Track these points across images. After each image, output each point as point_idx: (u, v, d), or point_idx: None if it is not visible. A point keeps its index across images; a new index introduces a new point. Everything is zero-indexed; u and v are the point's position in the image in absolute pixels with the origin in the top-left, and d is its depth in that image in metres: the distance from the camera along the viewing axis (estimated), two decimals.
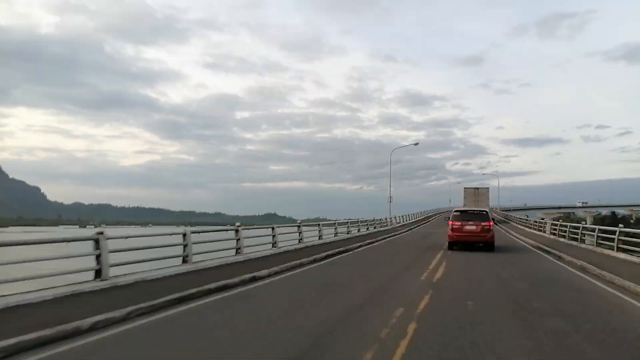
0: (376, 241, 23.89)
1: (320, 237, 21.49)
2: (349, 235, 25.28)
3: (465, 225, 18.84)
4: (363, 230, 29.45)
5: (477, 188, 50.07)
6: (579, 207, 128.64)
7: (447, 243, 19.18)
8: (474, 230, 18.68)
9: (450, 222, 19.27)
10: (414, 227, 39.38)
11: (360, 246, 20.26)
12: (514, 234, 31.74)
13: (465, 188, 50.25)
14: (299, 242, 18.81)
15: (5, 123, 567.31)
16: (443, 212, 67.86)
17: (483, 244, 18.74)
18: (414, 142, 44.66)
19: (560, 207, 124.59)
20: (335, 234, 23.90)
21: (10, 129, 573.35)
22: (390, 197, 43.14)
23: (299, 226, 19.88)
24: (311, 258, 14.58)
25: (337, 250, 17.48)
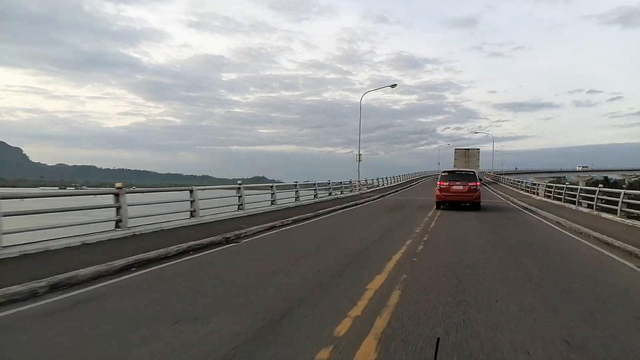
0: (311, 218, 15.48)
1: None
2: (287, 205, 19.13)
3: (453, 185, 19.53)
4: (319, 197, 23.78)
5: (468, 149, 51.08)
6: (579, 170, 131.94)
7: (435, 202, 19.90)
8: (461, 190, 19.37)
9: (438, 182, 19.98)
10: (388, 194, 31.98)
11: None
12: (504, 195, 32.18)
13: (456, 149, 51.40)
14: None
15: None
16: (430, 176, 68.31)
17: (470, 203, 19.43)
18: (392, 84, 38.20)
19: (552, 172, 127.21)
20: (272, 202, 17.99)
21: None
22: (360, 155, 35.15)
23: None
24: None
25: None
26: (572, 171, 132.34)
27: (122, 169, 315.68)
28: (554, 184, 28.00)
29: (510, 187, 42.24)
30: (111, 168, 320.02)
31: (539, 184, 31.47)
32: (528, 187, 34.73)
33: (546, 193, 27.41)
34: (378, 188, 37.15)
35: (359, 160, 34.69)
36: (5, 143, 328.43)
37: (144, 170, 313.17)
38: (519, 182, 41.64)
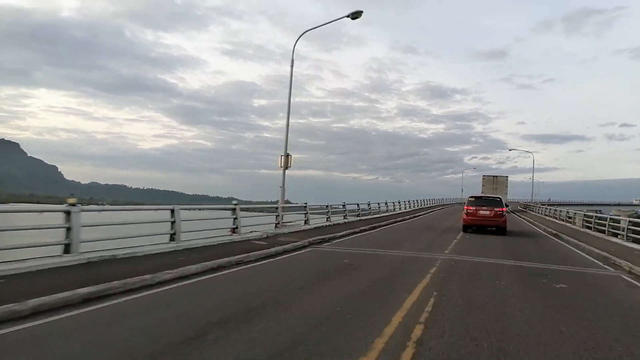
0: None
1: None
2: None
3: (479, 210, 20.03)
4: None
5: (496, 176, 49.75)
6: (636, 204, 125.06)
7: (462, 226, 20.58)
8: (487, 215, 19.84)
9: (465, 207, 20.59)
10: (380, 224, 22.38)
11: None
12: (536, 223, 30.07)
13: (484, 176, 50.26)
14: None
15: (27, 103, 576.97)
16: (448, 205, 64.50)
17: (495, 227, 19.76)
18: (352, 13, 18.66)
19: (591, 204, 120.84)
20: None
21: (32, 110, 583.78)
22: (289, 158, 19.64)
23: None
24: None
25: None
26: (610, 204, 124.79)
27: (152, 188, 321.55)
28: (594, 214, 25.67)
29: (544, 216, 39.26)
30: (141, 188, 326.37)
31: (575, 213, 29.23)
32: (563, 217, 32.27)
33: (584, 223, 25.18)
34: (373, 217, 27.44)
35: (285, 167, 19.43)
36: (42, 161, 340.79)
37: (171, 191, 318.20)
38: (555, 210, 38.31)
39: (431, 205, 53.34)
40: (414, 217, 32.40)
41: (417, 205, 45.41)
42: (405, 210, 38.03)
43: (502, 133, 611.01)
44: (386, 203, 33.73)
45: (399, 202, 37.87)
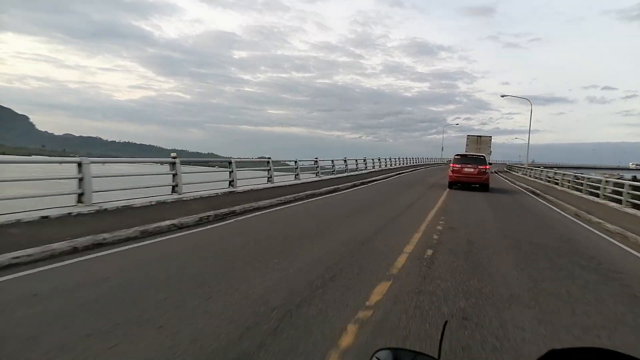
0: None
1: None
2: None
3: (464, 167, 21.00)
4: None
5: (480, 136, 49.82)
6: (633, 168, 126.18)
7: (448, 183, 21.48)
8: (472, 173, 20.86)
9: (451, 165, 21.52)
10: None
11: None
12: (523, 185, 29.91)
13: (468, 135, 50.05)
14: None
15: None
16: (432, 165, 64.83)
17: (479, 184, 20.88)
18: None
19: (576, 167, 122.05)
20: None
21: (0, 56, 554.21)
22: None
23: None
24: None
25: None
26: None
27: (128, 142, 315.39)
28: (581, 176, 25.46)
29: (527, 177, 39.36)
30: (117, 140, 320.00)
31: (564, 174, 28.86)
32: (549, 178, 31.92)
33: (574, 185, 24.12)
34: (358, 173, 28.32)
35: None
36: (12, 110, 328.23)
37: (149, 145, 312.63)
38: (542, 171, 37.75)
39: (415, 164, 54.40)
40: (397, 174, 32.92)
41: (400, 164, 46.49)
42: (386, 168, 38.52)
43: (486, 93, 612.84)
44: (365, 160, 33.81)
45: (378, 160, 38.52)
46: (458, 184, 21.00)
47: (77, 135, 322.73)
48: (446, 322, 1.30)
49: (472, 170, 20.74)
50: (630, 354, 0.81)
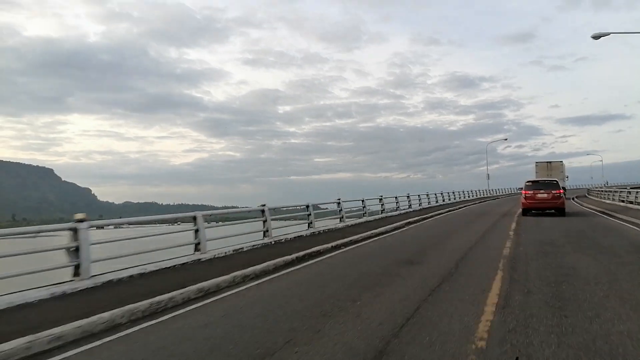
0: None
1: None
2: None
3: (537, 193, 20.52)
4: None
5: (550, 162, 45.20)
6: None
7: (522, 210, 21.16)
8: (546, 198, 20.37)
9: (524, 192, 21.02)
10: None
11: None
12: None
13: (537, 162, 45.56)
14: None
15: (62, 130, 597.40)
16: (489, 198, 57.99)
17: (554, 209, 20.47)
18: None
19: None
20: None
21: (68, 135, 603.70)
22: None
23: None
24: None
25: None
26: None
27: (182, 204, 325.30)
28: None
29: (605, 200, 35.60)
30: (171, 204, 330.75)
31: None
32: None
33: None
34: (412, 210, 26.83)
35: None
36: (75, 184, 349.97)
37: (201, 204, 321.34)
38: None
39: (468, 199, 48.77)
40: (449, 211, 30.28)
41: (453, 199, 42.19)
42: (436, 205, 35.14)
43: (536, 118, 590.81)
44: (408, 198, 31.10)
45: (427, 196, 33.70)
46: (532, 210, 20.61)
47: (135, 202, 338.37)
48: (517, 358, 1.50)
49: (545, 195, 20.29)
50: None
